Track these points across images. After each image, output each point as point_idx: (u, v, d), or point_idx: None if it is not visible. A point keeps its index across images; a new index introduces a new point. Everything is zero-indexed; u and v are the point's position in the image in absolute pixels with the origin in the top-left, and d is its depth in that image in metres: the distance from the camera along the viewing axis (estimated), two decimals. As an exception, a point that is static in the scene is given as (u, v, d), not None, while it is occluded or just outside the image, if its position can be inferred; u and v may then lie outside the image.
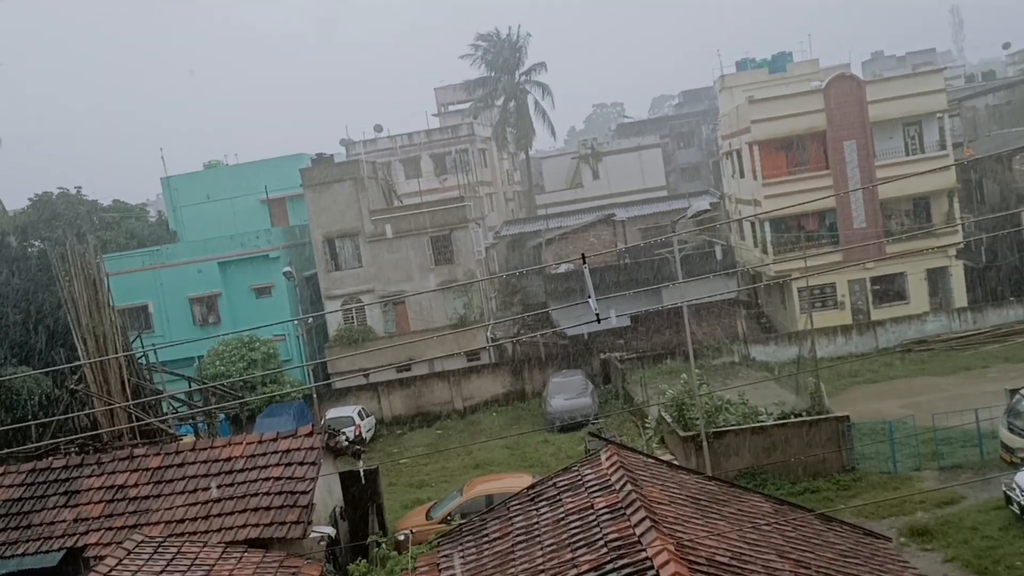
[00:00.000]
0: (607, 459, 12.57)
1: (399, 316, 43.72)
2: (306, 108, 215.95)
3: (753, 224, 44.72)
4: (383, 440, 37.40)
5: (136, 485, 18.17)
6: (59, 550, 17.26)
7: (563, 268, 44.37)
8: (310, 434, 18.77)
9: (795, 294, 40.63)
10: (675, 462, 19.88)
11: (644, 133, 79.50)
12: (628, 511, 10.42)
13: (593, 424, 32.54)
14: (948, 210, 41.56)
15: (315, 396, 38.29)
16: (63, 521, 17.73)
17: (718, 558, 9.41)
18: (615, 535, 9.97)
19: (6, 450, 32.08)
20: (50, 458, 20.65)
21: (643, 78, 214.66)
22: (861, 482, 23.61)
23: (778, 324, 43.98)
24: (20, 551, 17.37)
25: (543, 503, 12.25)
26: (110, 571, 13.96)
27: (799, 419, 25.03)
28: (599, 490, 11.60)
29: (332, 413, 36.15)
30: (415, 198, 54.62)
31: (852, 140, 40.61)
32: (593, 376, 38.77)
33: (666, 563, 8.66)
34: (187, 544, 15.54)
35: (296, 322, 42.26)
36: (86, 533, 17.39)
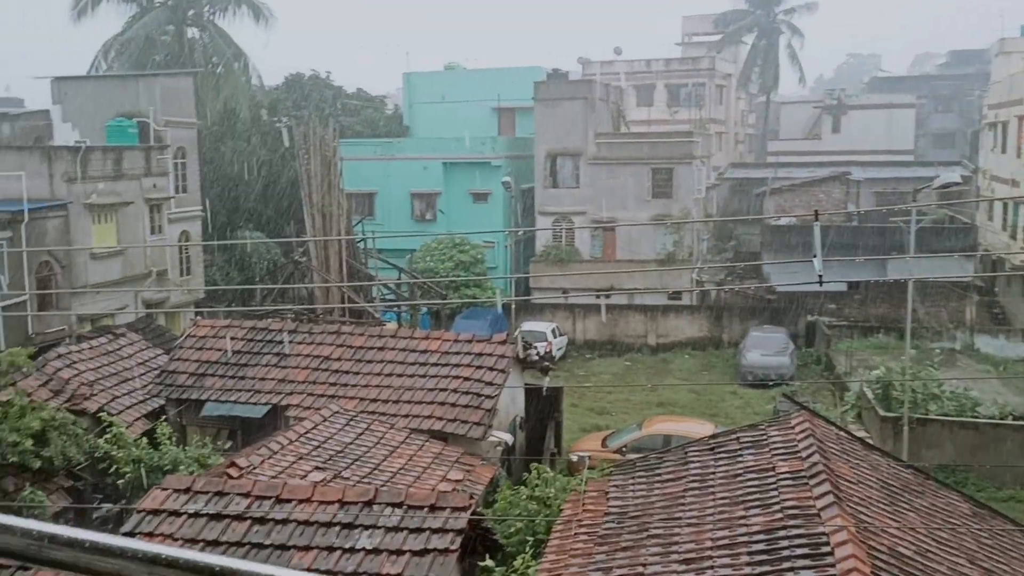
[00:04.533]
0: (797, 424, 12.07)
1: (607, 242, 43.58)
2: (551, 19, 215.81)
3: (1006, 206, 40.86)
4: (572, 361, 37.84)
5: (339, 359, 19.33)
6: (265, 404, 18.77)
7: (784, 221, 42.51)
8: (503, 342, 19.21)
9: (1039, 289, 37.02)
10: (870, 441, 18.87)
11: (899, 90, 73.89)
12: (811, 481, 10.00)
13: (787, 385, 31.44)
14: None
15: (513, 307, 39.12)
16: (272, 379, 19.20)
17: (901, 549, 8.87)
18: (793, 503, 9.60)
19: (234, 307, 35.08)
20: (269, 320, 22.34)
21: (908, 31, 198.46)
22: (1077, 502, 21.56)
23: (1014, 317, 40.35)
24: (233, 398, 19.03)
25: (723, 455, 11.97)
26: (307, 432, 15.03)
27: (1020, 422, 23.05)
28: (784, 454, 11.18)
29: (527, 326, 36.83)
30: (643, 127, 53.78)
31: None
32: (795, 336, 37.26)
33: (844, 543, 8.25)
34: (376, 422, 16.45)
35: (507, 233, 43.06)
36: (290, 394, 18.77)
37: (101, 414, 18.80)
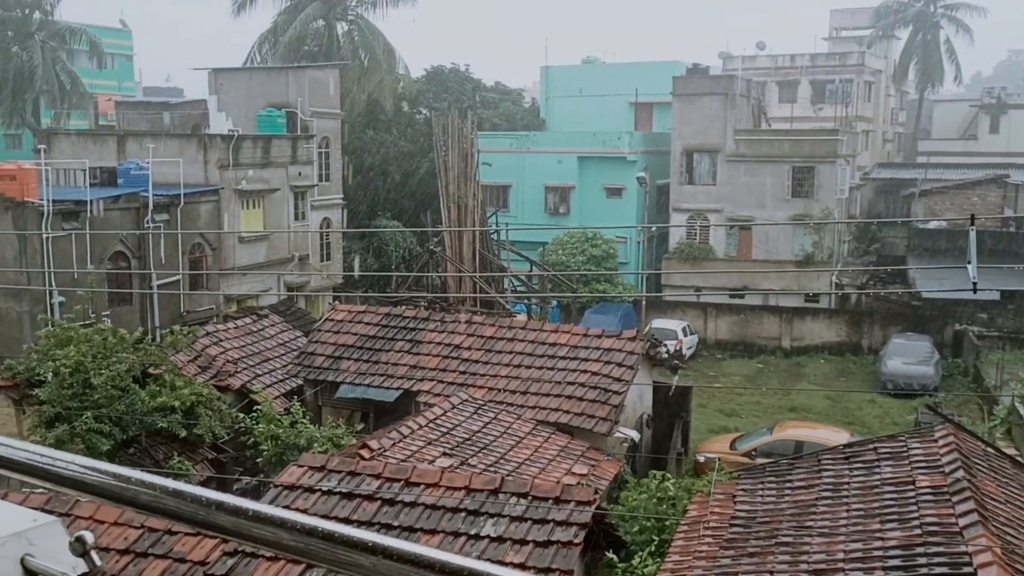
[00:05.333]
0: (941, 437, 11.52)
1: (742, 241, 42.62)
2: (693, 11, 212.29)
3: None
4: (702, 361, 37.22)
5: (469, 348, 19.62)
6: (397, 389, 19.26)
7: (934, 224, 40.54)
8: (633, 339, 19.08)
9: None
10: (1020, 460, 17.81)
11: (1066, 89, 69.11)
12: (954, 498, 9.53)
13: (931, 396, 30.02)
14: None
15: (643, 303, 38.78)
16: (404, 365, 19.67)
17: (1052, 577, 8.35)
18: (933, 519, 9.18)
19: (370, 293, 36.15)
20: (403, 307, 22.90)
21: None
22: None
23: None
24: (367, 382, 19.61)
25: (859, 465, 11.55)
26: (436, 418, 15.36)
27: None
28: (925, 468, 10.70)
29: (657, 323, 36.44)
30: (784, 123, 52.22)
31: None
32: (941, 345, 35.50)
33: (988, 565, 7.83)
34: (503, 412, 16.64)
35: (640, 229, 42.70)
36: (421, 380, 19.18)
37: (252, 390, 19.76)
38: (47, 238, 24.14)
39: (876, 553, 8.88)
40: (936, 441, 11.41)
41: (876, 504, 10.09)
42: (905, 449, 11.53)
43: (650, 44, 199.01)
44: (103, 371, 16.60)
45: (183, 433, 17.24)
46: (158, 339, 21.24)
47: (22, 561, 1.51)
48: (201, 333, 21.86)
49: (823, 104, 57.02)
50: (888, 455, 11.52)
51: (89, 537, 1.50)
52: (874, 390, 31.53)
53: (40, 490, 11.95)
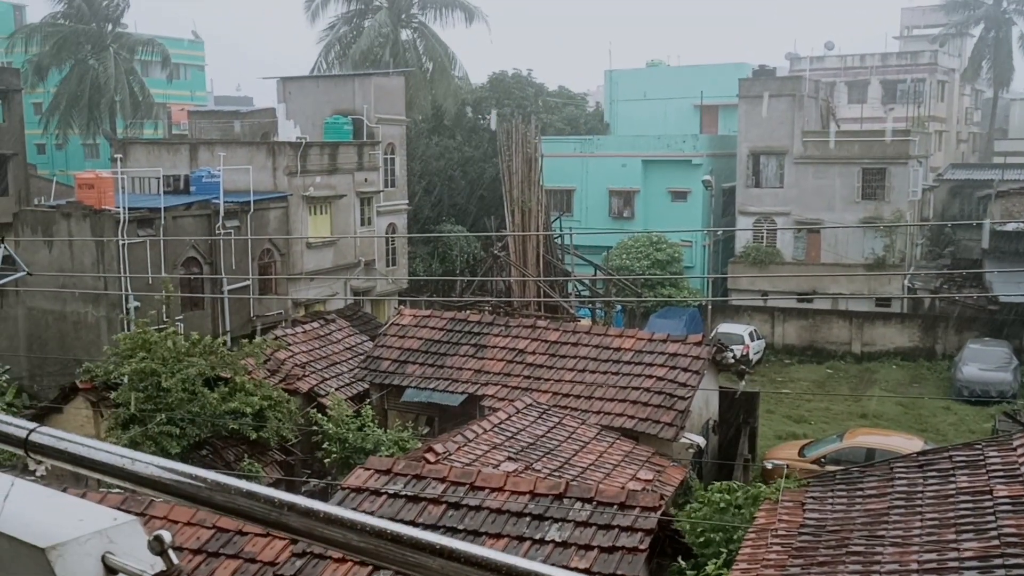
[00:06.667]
0: (1020, 445, 11.16)
1: (811, 245, 41.86)
2: (760, 12, 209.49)
3: None
4: (769, 366, 36.66)
5: (534, 353, 19.63)
6: (462, 393, 19.36)
7: (1011, 226, 39.29)
8: (699, 343, 18.88)
9: None
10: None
11: None
12: (1035, 509, 9.22)
13: (1009, 403, 29.08)
14: None
15: (709, 308, 38.34)
16: (469, 369, 19.76)
17: None
18: (1013, 530, 8.90)
19: (435, 298, 36.43)
20: (467, 312, 23.03)
21: None
22: None
23: None
24: (432, 386, 19.75)
25: (933, 473, 11.25)
26: (500, 422, 15.40)
27: None
28: (1003, 477, 10.38)
29: (723, 328, 35.98)
30: (854, 124, 51.19)
31: None
32: (1020, 351, 34.39)
33: (1071, 579, 7.56)
34: (568, 417, 16.61)
35: (706, 232, 42.25)
36: (485, 384, 19.25)
37: (320, 393, 20.06)
38: (123, 244, 24.87)
39: (951, 564, 8.64)
40: (1015, 449, 11.06)
41: (951, 514, 9.82)
42: (982, 457, 11.20)
43: (711, 46, 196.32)
44: (174, 374, 17.01)
45: (253, 436, 17.58)
46: (228, 343, 21.67)
47: (103, 558, 1.56)
48: (270, 337, 22.25)
49: (894, 104, 55.75)
50: (964, 463, 11.20)
51: (167, 536, 1.54)
52: (949, 397, 30.70)
53: (116, 490, 12.30)
